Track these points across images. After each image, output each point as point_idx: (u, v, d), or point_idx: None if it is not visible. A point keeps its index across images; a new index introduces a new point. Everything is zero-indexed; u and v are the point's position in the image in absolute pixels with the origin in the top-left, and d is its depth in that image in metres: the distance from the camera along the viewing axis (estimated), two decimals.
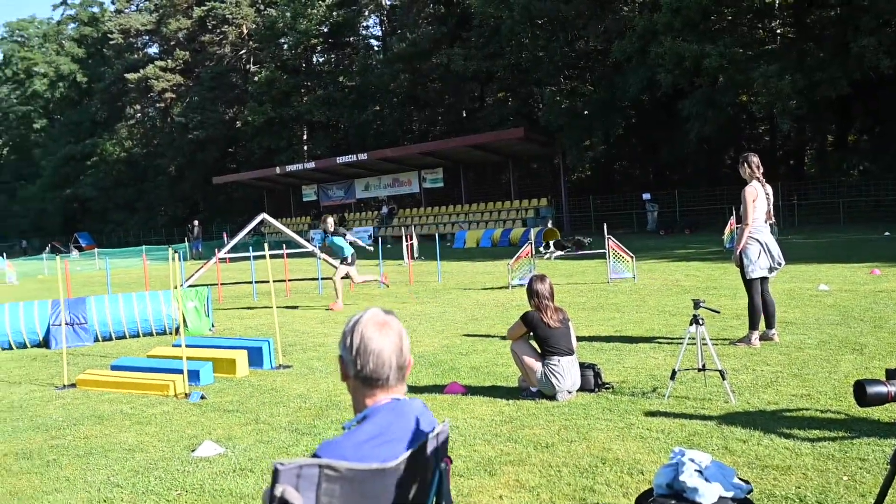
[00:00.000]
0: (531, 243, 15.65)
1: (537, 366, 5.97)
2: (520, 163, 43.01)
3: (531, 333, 6.14)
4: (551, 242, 14.39)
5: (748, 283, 7.59)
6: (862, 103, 32.11)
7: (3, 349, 10.48)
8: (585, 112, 35.15)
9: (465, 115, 48.13)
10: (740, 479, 3.35)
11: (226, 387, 7.26)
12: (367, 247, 14.41)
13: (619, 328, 9.05)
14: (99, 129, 71.52)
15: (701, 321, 5.71)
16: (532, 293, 6.17)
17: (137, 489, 4.60)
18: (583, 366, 6.15)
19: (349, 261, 13.19)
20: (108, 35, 67.62)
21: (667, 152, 37.03)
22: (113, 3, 72.50)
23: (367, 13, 52.85)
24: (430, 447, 2.08)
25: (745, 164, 7.61)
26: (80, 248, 55.02)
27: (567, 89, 37.46)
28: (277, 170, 46.15)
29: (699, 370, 5.84)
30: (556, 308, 6.16)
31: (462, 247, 31.36)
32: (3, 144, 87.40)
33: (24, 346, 10.59)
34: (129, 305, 11.08)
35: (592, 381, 6.11)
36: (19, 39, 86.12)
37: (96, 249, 42.11)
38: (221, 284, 17.34)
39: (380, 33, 56.22)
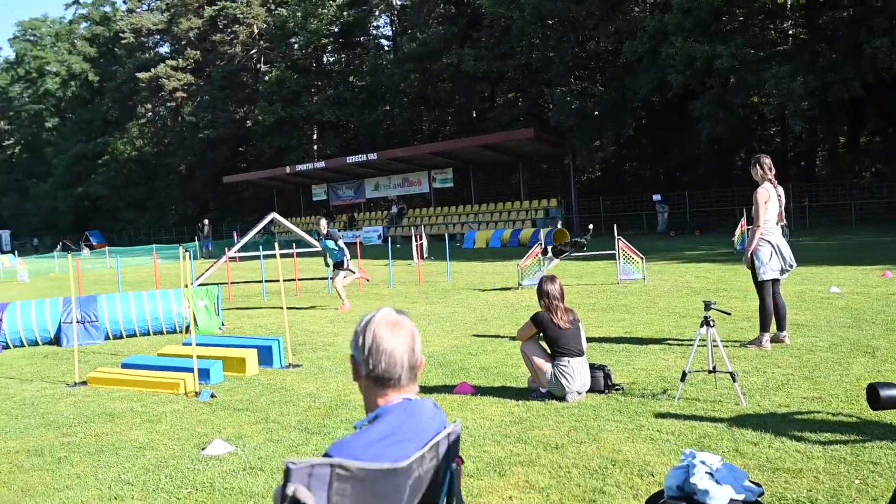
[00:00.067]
0: (541, 244, 15.63)
1: (547, 367, 5.96)
2: (530, 163, 42.96)
3: (541, 334, 6.13)
4: (549, 248, 14.31)
5: (759, 285, 7.55)
6: (875, 104, 31.93)
7: (15, 346, 10.54)
8: (596, 113, 35.09)
9: (475, 115, 48.12)
10: (751, 481, 3.33)
11: (236, 385, 7.28)
12: (346, 258, 13.56)
13: (629, 329, 9.03)
14: (110, 127, 71.83)
15: (712, 323, 5.69)
16: (542, 294, 6.17)
17: (148, 487, 4.61)
18: (593, 367, 6.14)
19: (345, 265, 13.15)
20: (120, 34, 67.92)
21: (677, 153, 36.92)
22: (125, 2, 72.83)
23: (377, 13, 52.91)
24: (441, 447, 2.08)
25: (758, 166, 7.57)
26: (90, 247, 55.26)
27: (577, 90, 37.40)
28: (287, 169, 46.27)
29: (710, 372, 5.82)
30: (567, 309, 6.15)
31: (472, 247, 31.35)
32: (15, 143, 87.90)
33: (36, 344, 10.65)
34: (140, 304, 11.13)
35: (602, 382, 6.10)
36: (32, 38, 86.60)
37: (107, 248, 42.31)
38: (231, 283, 17.39)
39: (390, 33, 56.29)
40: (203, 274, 17.70)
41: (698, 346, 5.81)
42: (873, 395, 2.55)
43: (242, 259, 23.55)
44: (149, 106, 69.78)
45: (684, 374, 5.70)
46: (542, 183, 44.28)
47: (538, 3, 34.32)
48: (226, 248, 17.84)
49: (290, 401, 6.56)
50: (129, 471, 4.93)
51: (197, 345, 7.51)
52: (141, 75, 62.07)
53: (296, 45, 53.71)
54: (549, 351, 6.06)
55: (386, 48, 56.02)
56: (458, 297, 13.60)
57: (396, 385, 2.07)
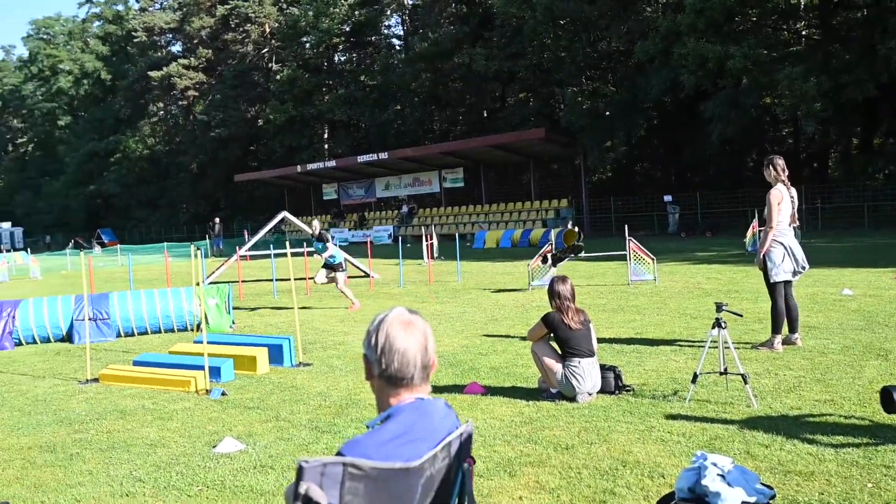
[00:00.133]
0: (551, 244, 15.61)
1: (557, 367, 5.95)
2: (540, 163, 42.92)
3: (552, 335, 6.12)
4: (549, 256, 14.26)
5: (772, 287, 7.52)
6: (889, 105, 31.70)
7: (28, 343, 10.61)
8: (607, 113, 35.02)
9: (486, 115, 48.10)
10: (763, 484, 3.33)
11: (246, 384, 7.30)
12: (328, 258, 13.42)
13: (640, 330, 9.01)
14: (122, 126, 72.20)
15: (723, 324, 5.67)
16: (553, 294, 6.16)
17: (159, 484, 4.63)
18: (603, 368, 6.13)
19: (342, 266, 13.15)
20: (133, 33, 68.27)
21: (689, 154, 36.79)
22: (137, 1, 73.21)
23: (389, 12, 52.97)
24: (453, 447, 2.08)
25: (771, 167, 7.54)
26: (102, 244, 55.55)
27: (589, 90, 37.33)
28: (298, 168, 46.38)
29: (721, 374, 5.81)
30: (578, 309, 6.14)
31: (482, 247, 31.33)
32: (28, 141, 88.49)
33: (48, 341, 10.71)
34: (151, 301, 11.18)
35: (613, 383, 6.09)
36: (45, 37, 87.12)
37: (118, 245, 42.50)
38: (242, 282, 17.44)
39: (402, 33, 56.35)
40: (214, 272, 17.78)
41: (709, 347, 5.79)
42: (887, 399, 2.53)
43: (253, 258, 23.62)
44: (161, 104, 70.12)
45: (695, 376, 5.68)
46: (553, 183, 44.23)
47: (550, 3, 34.27)
48: (237, 247, 17.92)
49: (301, 399, 6.57)
50: (140, 468, 4.95)
51: (208, 343, 7.54)
52: (153, 74, 62.37)
53: (307, 45, 53.82)
54: (559, 351, 6.05)
55: (397, 48, 56.09)
56: (469, 297, 13.60)
57: (409, 384, 2.07)
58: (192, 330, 11.07)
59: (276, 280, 16.70)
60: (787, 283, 7.57)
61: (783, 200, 7.44)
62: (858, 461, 4.30)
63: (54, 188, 76.67)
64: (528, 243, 29.76)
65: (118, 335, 10.90)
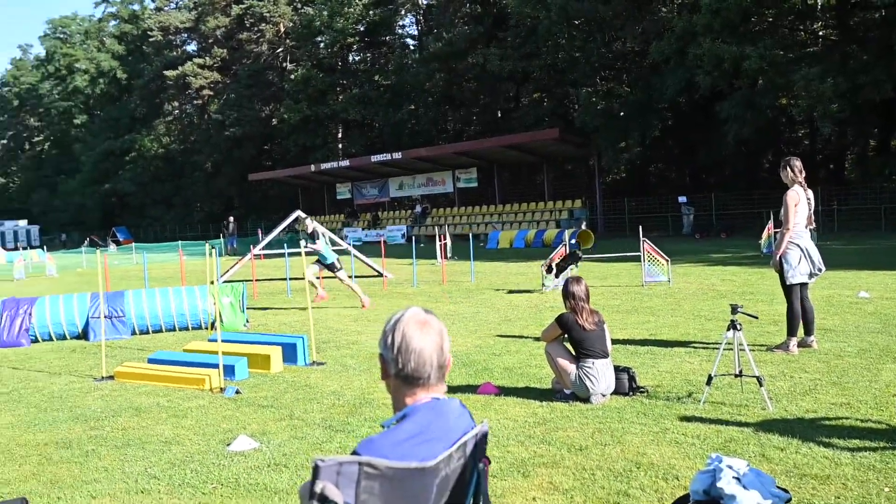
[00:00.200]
0: (565, 245, 15.57)
1: (571, 368, 5.94)
2: (554, 164, 42.84)
3: (566, 335, 6.11)
4: (553, 265, 14.22)
5: (788, 289, 7.48)
6: None
7: (44, 340, 10.68)
8: (622, 113, 34.91)
9: (500, 115, 48.07)
10: (779, 487, 3.31)
11: (260, 382, 7.32)
12: (335, 261, 13.41)
13: (654, 332, 8.97)
14: (137, 125, 72.63)
15: (739, 326, 5.64)
16: (568, 295, 6.14)
17: (174, 481, 4.66)
18: (617, 369, 6.11)
19: (337, 266, 13.14)
20: (148, 32, 68.70)
21: (704, 155, 36.62)
22: (153, 0, 73.63)
23: (403, 12, 53.03)
24: (469, 447, 2.08)
25: (788, 168, 7.50)
26: (117, 243, 55.89)
27: (603, 90, 37.24)
28: (312, 168, 46.50)
29: (736, 376, 5.78)
30: (592, 310, 6.13)
31: (495, 247, 31.31)
32: (44, 139, 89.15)
33: (64, 338, 10.78)
34: (166, 300, 11.23)
35: (627, 384, 6.07)
36: (62, 36, 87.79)
37: (133, 244, 42.75)
38: (256, 281, 17.50)
39: (416, 32, 56.39)
40: (228, 271, 17.85)
41: (724, 349, 5.76)
42: None
43: (267, 257, 23.70)
44: (176, 104, 70.45)
45: (710, 378, 5.66)
46: (567, 183, 44.13)
47: (565, 3, 34.20)
48: (251, 246, 17.97)
49: (315, 398, 6.59)
50: (155, 465, 4.98)
51: (222, 341, 7.57)
52: (168, 73, 62.70)
53: (322, 44, 53.94)
54: (573, 352, 6.04)
55: (411, 47, 56.14)
56: (482, 297, 13.60)
57: (425, 384, 2.08)
58: (207, 328, 11.12)
59: (290, 279, 16.74)
60: (804, 286, 7.52)
61: (800, 202, 7.39)
62: (875, 465, 4.27)
63: (70, 186, 77.20)
64: (542, 244, 29.71)
65: (133, 333, 10.96)
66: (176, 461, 5.03)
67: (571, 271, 13.63)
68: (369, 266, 18.47)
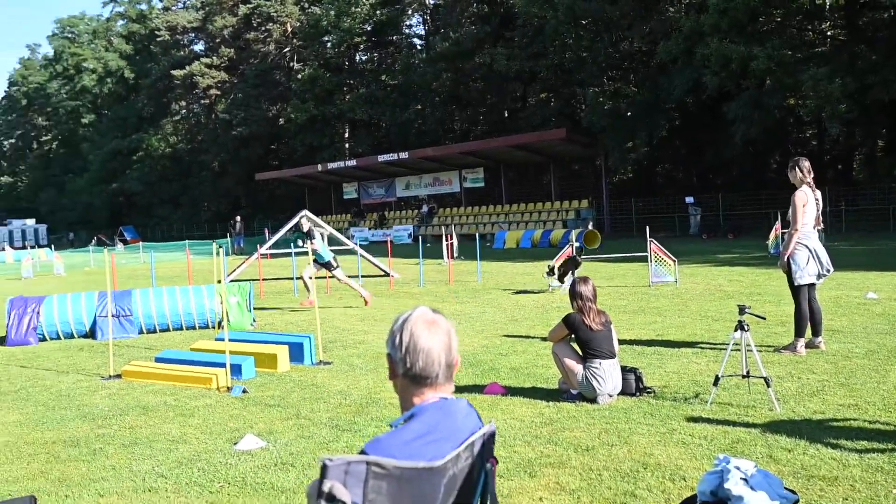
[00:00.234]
0: (572, 245, 15.55)
1: (578, 368, 5.93)
2: (561, 164, 42.79)
3: (572, 336, 6.10)
4: (555, 267, 14.20)
5: (795, 290, 7.46)
6: None
7: (52, 339, 10.72)
8: (629, 113, 34.86)
9: (506, 114, 48.04)
10: (786, 488, 3.30)
11: (267, 381, 7.33)
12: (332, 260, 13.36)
13: (661, 332, 8.96)
14: (145, 124, 72.84)
15: (746, 327, 5.62)
16: (575, 295, 6.13)
17: (181, 480, 4.67)
18: (624, 369, 6.10)
19: (334, 265, 13.13)
20: (156, 32, 68.87)
21: (711, 155, 36.54)
22: (160, 0, 73.80)
23: (410, 12, 53.04)
24: (476, 447, 2.08)
25: (796, 169, 7.47)
26: (124, 242, 56.07)
27: (610, 90, 37.17)
28: (319, 167, 46.57)
29: (743, 377, 5.76)
30: (599, 311, 6.12)
31: (502, 247, 31.29)
32: (52, 138, 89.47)
33: (72, 337, 10.82)
34: (173, 299, 11.26)
35: (634, 384, 6.06)
36: (70, 36, 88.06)
37: (141, 243, 42.86)
38: (263, 280, 17.53)
39: (423, 32, 56.39)
40: (235, 270, 17.89)
41: (732, 350, 5.74)
42: None
43: (274, 256, 23.73)
44: (183, 103, 70.66)
45: (717, 379, 5.64)
46: (574, 183, 44.09)
47: (572, 3, 34.17)
48: (258, 245, 18.00)
49: (321, 397, 6.60)
50: (162, 464, 4.99)
51: (229, 340, 7.58)
52: (176, 73, 62.86)
53: (329, 44, 54.00)
54: (580, 353, 6.03)
55: (418, 47, 56.16)
56: (489, 297, 13.59)
57: (433, 384, 2.07)
58: (214, 327, 11.14)
59: (297, 279, 16.75)
60: (811, 286, 7.50)
61: (808, 202, 7.37)
62: (883, 467, 4.26)
63: (78, 186, 77.47)
64: (549, 244, 29.69)
65: (140, 332, 10.99)
66: (183, 460, 5.04)
67: (572, 275, 13.61)
68: (376, 266, 18.48)
